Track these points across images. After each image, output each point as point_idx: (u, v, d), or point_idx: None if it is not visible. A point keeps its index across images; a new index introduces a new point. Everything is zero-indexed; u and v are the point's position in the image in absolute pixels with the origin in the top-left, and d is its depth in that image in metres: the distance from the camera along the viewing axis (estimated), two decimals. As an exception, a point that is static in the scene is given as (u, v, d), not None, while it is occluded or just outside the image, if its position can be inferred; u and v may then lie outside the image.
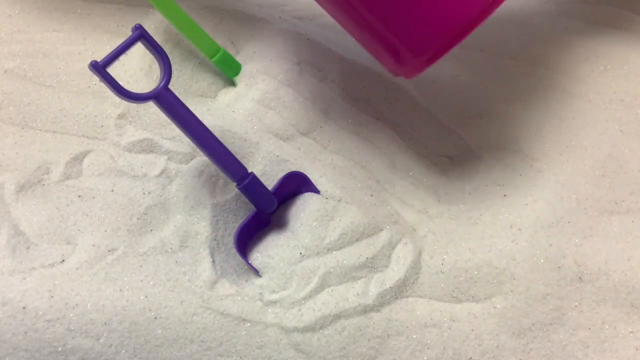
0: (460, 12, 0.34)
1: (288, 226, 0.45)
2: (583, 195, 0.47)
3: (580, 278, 0.43)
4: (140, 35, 0.39)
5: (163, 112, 0.40)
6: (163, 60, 0.40)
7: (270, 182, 0.46)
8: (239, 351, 0.40)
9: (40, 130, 0.48)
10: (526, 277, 0.43)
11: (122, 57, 0.39)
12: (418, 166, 0.49)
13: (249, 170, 0.43)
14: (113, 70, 0.38)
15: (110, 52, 0.38)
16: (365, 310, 0.41)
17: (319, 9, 0.59)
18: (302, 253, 0.43)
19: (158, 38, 0.49)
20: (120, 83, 0.38)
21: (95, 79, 0.51)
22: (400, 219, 0.46)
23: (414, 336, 0.41)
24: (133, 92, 0.39)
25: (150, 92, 0.39)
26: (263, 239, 0.45)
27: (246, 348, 0.40)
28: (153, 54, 0.40)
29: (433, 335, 0.41)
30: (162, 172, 0.46)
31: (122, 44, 0.38)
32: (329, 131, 0.50)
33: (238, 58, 0.54)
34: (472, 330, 0.42)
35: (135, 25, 0.39)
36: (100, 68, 0.37)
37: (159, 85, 0.40)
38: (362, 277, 0.43)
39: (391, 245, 0.44)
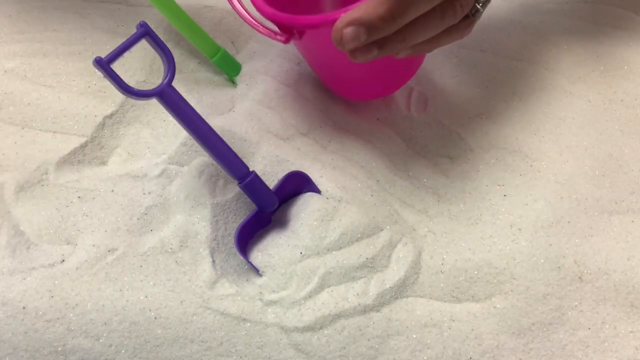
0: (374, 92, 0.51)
1: (288, 226, 0.45)
2: (583, 195, 0.47)
3: (580, 278, 0.43)
4: (145, 32, 0.39)
5: (166, 109, 0.40)
6: (167, 57, 0.40)
7: (270, 182, 0.46)
8: (239, 351, 0.40)
9: (40, 130, 0.48)
10: (526, 277, 0.43)
11: (123, 56, 0.39)
12: (418, 166, 0.49)
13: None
14: (114, 68, 0.38)
15: (115, 49, 0.38)
16: (365, 310, 0.41)
17: (319, 9, 0.59)
18: (303, 253, 0.43)
19: (158, 38, 0.49)
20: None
21: (96, 78, 0.51)
22: (400, 219, 0.46)
23: (414, 336, 0.41)
24: (137, 89, 0.39)
25: (154, 89, 0.39)
26: (263, 238, 0.45)
27: (246, 348, 0.40)
28: (157, 51, 0.40)
29: (433, 335, 0.41)
30: (162, 172, 0.46)
31: (126, 40, 0.38)
32: (329, 131, 0.50)
33: (238, 58, 0.54)
34: (472, 330, 0.42)
35: (140, 23, 0.39)
36: (104, 64, 0.37)
37: (162, 82, 0.40)
38: (362, 277, 0.43)
39: (391, 245, 0.44)
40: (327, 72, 0.49)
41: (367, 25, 0.34)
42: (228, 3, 0.45)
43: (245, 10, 0.44)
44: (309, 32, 0.42)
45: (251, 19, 0.44)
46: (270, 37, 0.43)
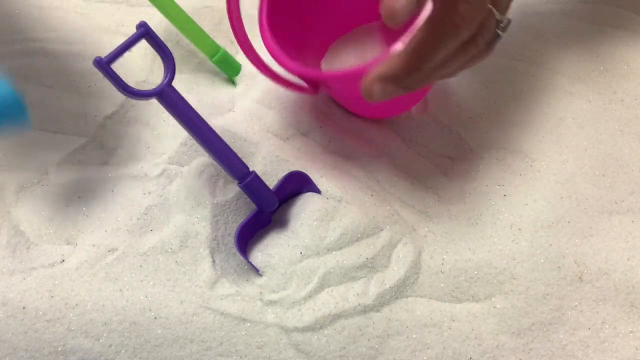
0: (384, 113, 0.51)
1: (288, 225, 0.45)
2: (583, 195, 0.47)
3: (580, 278, 0.43)
4: (145, 32, 0.39)
5: (166, 109, 0.40)
6: (167, 57, 0.40)
7: (270, 182, 0.46)
8: (239, 351, 0.40)
9: (40, 130, 0.48)
10: (526, 277, 0.43)
11: (123, 56, 0.39)
12: (418, 166, 0.49)
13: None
14: (114, 68, 0.38)
15: (115, 49, 0.38)
16: (365, 310, 0.41)
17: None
18: (302, 253, 0.43)
19: (158, 38, 0.49)
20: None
21: (95, 78, 0.51)
22: (400, 219, 0.46)
23: (414, 336, 0.41)
24: (137, 89, 0.38)
25: (153, 89, 0.39)
26: (263, 238, 0.45)
27: (246, 348, 0.40)
28: (157, 51, 0.40)
29: (433, 335, 0.41)
30: (162, 172, 0.46)
31: (126, 40, 0.38)
32: (329, 131, 0.50)
33: (238, 58, 0.54)
34: (472, 330, 0.42)
35: (140, 23, 0.39)
36: (104, 64, 0.37)
37: (162, 82, 0.40)
38: (362, 277, 0.43)
39: (391, 245, 0.44)
40: (350, 103, 0.50)
41: (392, 80, 0.35)
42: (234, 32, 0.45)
43: (273, 73, 0.45)
44: (335, 82, 0.44)
45: (282, 78, 0.45)
46: (300, 93, 0.46)
